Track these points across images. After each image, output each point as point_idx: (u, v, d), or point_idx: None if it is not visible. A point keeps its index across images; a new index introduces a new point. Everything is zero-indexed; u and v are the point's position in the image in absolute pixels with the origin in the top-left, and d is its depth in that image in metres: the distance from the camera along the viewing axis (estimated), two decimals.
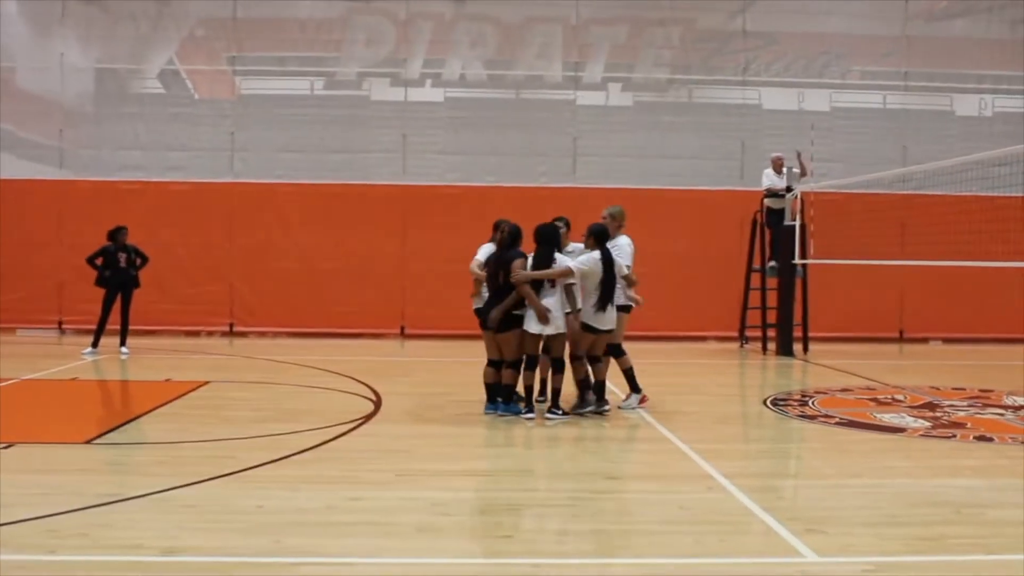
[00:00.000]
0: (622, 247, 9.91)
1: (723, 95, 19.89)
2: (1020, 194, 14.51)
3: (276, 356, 14.98)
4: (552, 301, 9.29)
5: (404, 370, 13.96)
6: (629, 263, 9.87)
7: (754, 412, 10.84)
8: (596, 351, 9.73)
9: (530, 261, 9.41)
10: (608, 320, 9.54)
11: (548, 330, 9.28)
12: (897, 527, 5.97)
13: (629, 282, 9.81)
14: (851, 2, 20.03)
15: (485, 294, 9.78)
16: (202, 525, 5.81)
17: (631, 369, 10.19)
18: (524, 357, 9.51)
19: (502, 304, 9.34)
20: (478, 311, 9.95)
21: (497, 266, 9.48)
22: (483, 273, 9.83)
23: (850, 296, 18.14)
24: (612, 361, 10.11)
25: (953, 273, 16.34)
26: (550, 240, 9.50)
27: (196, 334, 18.32)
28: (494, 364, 9.70)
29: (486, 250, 9.97)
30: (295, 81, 19.63)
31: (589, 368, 9.72)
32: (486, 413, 9.67)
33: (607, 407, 9.79)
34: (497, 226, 9.88)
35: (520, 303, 9.37)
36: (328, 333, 18.10)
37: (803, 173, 15.98)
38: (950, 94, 20.20)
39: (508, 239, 9.55)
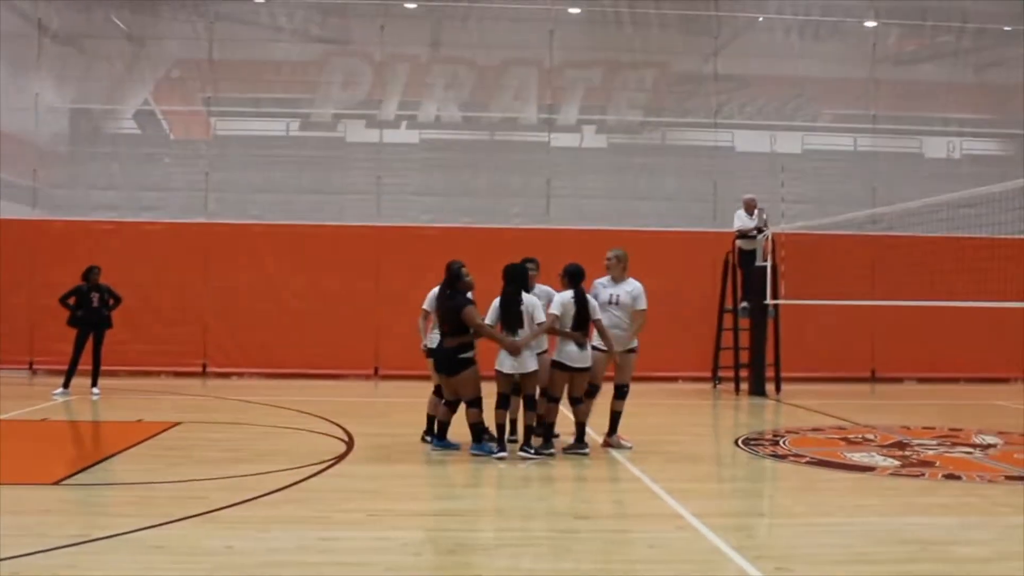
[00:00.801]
0: (639, 295, 9.94)
1: (696, 137, 20.12)
2: (988, 235, 14.77)
3: (249, 397, 14.90)
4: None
5: (377, 410, 13.93)
6: (644, 307, 9.89)
7: (726, 452, 10.86)
8: (575, 391, 9.71)
9: (497, 300, 9.50)
10: (582, 358, 9.56)
11: (522, 369, 9.34)
12: (866, 564, 6.01)
13: (599, 328, 9.71)
14: (820, 46, 20.38)
15: (435, 335, 9.86)
16: (171, 566, 5.77)
17: (620, 413, 10.25)
18: (496, 395, 9.57)
19: (454, 342, 9.47)
20: (430, 351, 10.01)
21: (447, 310, 9.55)
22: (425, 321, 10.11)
23: (822, 336, 18.16)
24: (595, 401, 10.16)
25: (923, 313, 16.42)
26: (517, 279, 9.57)
27: (169, 374, 18.20)
28: (448, 403, 9.81)
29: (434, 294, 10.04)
30: (270, 122, 19.76)
31: (549, 408, 9.74)
32: (434, 448, 9.90)
33: (552, 450, 9.76)
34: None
35: (470, 344, 9.45)
36: (302, 374, 18.02)
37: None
38: (919, 137, 20.52)
39: (446, 281, 9.67)
